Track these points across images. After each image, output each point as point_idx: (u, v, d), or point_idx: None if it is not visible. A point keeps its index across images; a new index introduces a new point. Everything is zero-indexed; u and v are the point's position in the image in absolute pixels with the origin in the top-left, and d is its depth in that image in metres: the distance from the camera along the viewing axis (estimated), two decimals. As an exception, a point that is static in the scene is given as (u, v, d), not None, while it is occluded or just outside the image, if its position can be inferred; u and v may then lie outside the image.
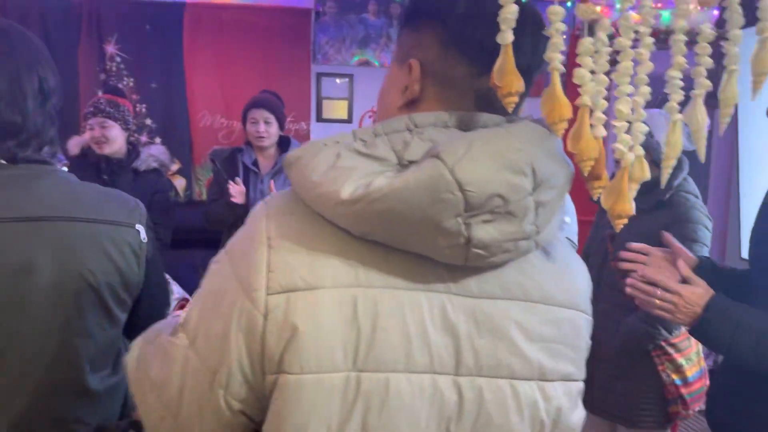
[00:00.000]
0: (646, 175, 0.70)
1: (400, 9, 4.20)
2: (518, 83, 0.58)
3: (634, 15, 0.65)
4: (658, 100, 4.90)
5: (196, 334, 0.63)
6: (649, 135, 2.02)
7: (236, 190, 2.76)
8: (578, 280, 0.71)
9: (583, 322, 0.71)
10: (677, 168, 2.03)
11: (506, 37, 0.59)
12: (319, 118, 4.27)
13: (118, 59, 3.89)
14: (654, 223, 1.95)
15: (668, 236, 1.42)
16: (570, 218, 2.63)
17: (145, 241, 1.00)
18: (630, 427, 2.03)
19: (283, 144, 3.01)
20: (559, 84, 0.58)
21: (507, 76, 0.58)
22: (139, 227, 0.99)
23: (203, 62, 3.99)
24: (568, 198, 2.72)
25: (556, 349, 0.66)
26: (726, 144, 4.63)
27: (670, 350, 1.94)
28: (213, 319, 0.62)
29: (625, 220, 0.65)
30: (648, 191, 1.99)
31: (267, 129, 2.88)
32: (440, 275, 0.62)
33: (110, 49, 3.87)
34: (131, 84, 3.93)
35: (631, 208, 0.64)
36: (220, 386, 0.61)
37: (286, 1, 4.06)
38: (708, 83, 0.70)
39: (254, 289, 0.60)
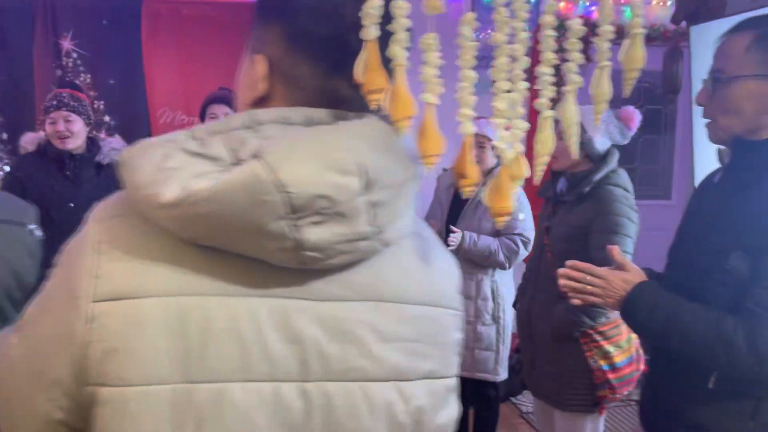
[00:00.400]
0: (525, 172, 0.70)
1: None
2: (381, 80, 0.57)
3: (503, 9, 0.63)
4: (619, 95, 4.93)
5: (27, 335, 0.62)
6: (582, 131, 2.07)
7: None
8: (440, 276, 0.70)
9: (448, 319, 0.69)
10: (601, 162, 2.09)
11: (370, 32, 0.58)
12: (282, 115, 4.24)
13: (75, 55, 3.83)
14: (579, 215, 2.05)
15: (611, 248, 1.40)
16: (524, 215, 2.66)
17: (39, 237, 0.98)
18: (562, 410, 2.11)
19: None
20: (403, 81, 0.57)
21: (371, 72, 0.58)
22: (32, 226, 0.97)
23: (163, 58, 3.94)
24: (522, 194, 2.75)
25: (414, 348, 0.65)
26: (688, 144, 4.68)
27: (598, 338, 2.02)
28: (41, 323, 0.61)
29: (507, 218, 0.64)
30: (577, 185, 2.07)
31: (225, 124, 2.86)
32: (282, 280, 0.60)
33: (66, 44, 3.80)
34: (88, 80, 3.87)
35: (510, 205, 0.63)
36: (42, 391, 0.59)
37: (247, -3, 4.03)
38: (579, 79, 0.70)
39: (78, 296, 0.58)
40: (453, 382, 0.70)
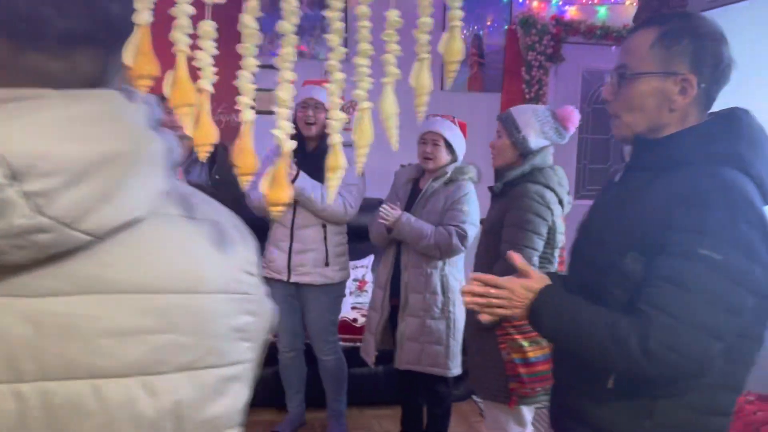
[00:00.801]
0: (341, 163, 0.70)
1: None
2: (151, 66, 0.57)
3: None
4: (591, 94, 4.91)
5: None
6: (516, 130, 2.09)
7: None
8: (198, 261, 0.65)
9: (218, 305, 0.66)
10: (525, 160, 2.12)
11: (141, 17, 0.58)
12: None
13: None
14: (496, 211, 2.10)
15: (512, 254, 1.37)
16: (469, 208, 2.66)
17: None
18: (482, 398, 2.28)
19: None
20: (184, 68, 0.57)
21: (140, 57, 0.57)
22: None
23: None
24: (472, 189, 2.76)
25: (162, 339, 0.62)
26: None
27: (512, 331, 2.07)
28: None
29: (282, 208, 0.64)
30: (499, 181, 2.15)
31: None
32: None
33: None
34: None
35: (287, 196, 0.63)
36: None
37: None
38: (397, 71, 0.70)
39: None
40: (231, 370, 0.67)
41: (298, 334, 3.15)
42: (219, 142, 2.65)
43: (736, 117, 1.21)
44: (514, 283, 1.26)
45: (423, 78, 0.70)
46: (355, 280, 3.83)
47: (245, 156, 0.61)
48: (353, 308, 3.74)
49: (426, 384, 2.81)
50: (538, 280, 1.28)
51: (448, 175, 2.71)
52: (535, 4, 4.60)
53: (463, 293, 1.31)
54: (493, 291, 1.26)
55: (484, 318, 1.31)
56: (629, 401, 1.21)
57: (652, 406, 1.19)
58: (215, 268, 0.66)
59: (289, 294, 3.04)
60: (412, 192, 2.88)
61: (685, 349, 1.08)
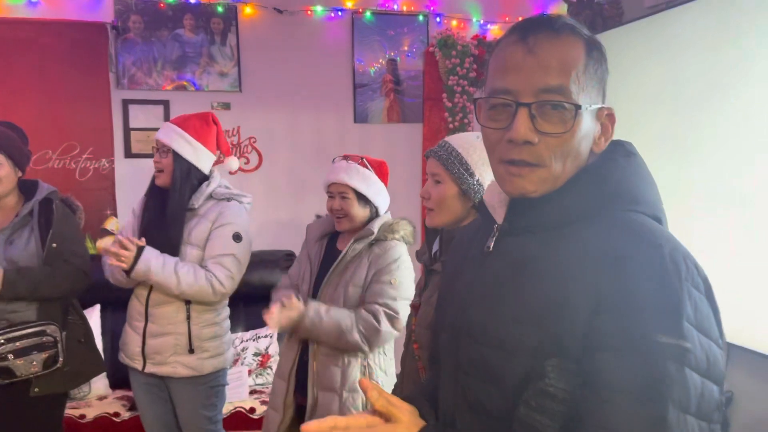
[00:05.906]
0: None
1: (222, 23, 3.59)
2: None
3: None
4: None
5: None
6: (468, 173, 1.51)
7: None
8: None
9: None
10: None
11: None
12: (129, 154, 3.54)
13: None
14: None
15: (364, 381, 0.98)
16: (400, 279, 2.04)
17: None
18: None
19: (29, 190, 2.29)
20: None
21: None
22: None
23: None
24: (404, 252, 2.11)
25: None
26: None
27: None
28: None
29: None
30: None
31: (-8, 174, 2.14)
32: None
33: None
34: None
35: None
36: None
37: (75, 15, 3.35)
38: None
39: None
40: None
41: (172, 428, 2.43)
42: (56, 195, 1.74)
43: (630, 152, 0.90)
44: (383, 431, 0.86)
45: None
46: (256, 354, 3.12)
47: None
48: (253, 392, 3.02)
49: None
50: (409, 424, 0.87)
51: (375, 234, 2.07)
52: (454, 23, 4.14)
53: None
54: None
55: None
56: None
57: None
58: None
59: (149, 383, 2.37)
60: (328, 251, 2.21)
61: None
